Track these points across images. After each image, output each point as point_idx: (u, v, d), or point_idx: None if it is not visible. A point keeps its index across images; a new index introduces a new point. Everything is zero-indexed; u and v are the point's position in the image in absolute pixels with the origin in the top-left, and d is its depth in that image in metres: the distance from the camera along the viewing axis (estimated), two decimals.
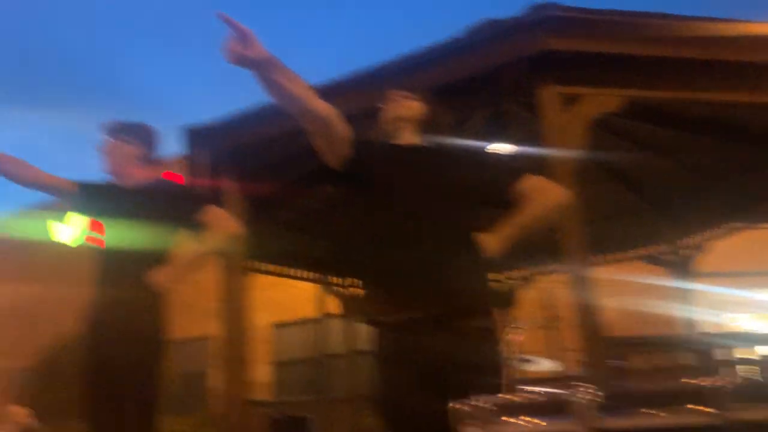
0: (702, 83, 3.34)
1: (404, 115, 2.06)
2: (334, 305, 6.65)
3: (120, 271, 2.58)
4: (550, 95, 3.05)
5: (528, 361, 5.22)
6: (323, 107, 1.79)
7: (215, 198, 3.99)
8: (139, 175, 2.73)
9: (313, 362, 11.43)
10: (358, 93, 3.35)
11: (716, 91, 3.35)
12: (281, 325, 12.22)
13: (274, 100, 1.75)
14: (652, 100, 3.44)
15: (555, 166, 2.96)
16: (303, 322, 11.98)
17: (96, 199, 2.74)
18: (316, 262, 6.16)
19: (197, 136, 3.88)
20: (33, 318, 16.04)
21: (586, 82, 3.16)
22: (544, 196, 1.99)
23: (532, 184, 1.99)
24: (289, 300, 12.20)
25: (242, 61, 1.52)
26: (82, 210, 2.78)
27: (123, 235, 2.63)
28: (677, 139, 4.68)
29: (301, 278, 6.34)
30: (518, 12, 3.15)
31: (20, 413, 10.42)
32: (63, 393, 11.46)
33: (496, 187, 2.01)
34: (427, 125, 2.07)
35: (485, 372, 1.78)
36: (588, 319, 2.89)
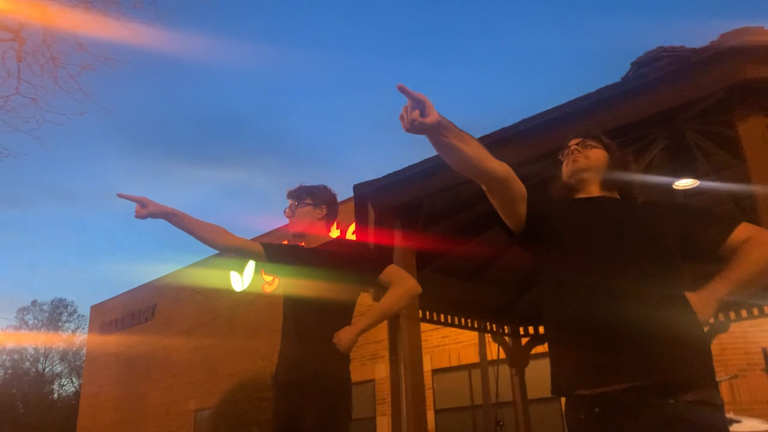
0: None
1: (587, 167, 1.91)
2: (498, 352, 6.42)
3: (304, 322, 2.71)
4: (753, 127, 2.70)
5: (733, 421, 4.65)
6: (498, 166, 1.73)
7: (386, 252, 4.08)
8: (321, 234, 2.92)
9: (474, 409, 11.15)
10: (536, 139, 3.24)
11: None
12: (441, 371, 12.10)
13: (449, 163, 1.71)
14: None
15: (764, 202, 2.61)
16: (464, 368, 11.78)
17: (280, 257, 2.94)
18: (484, 309, 6.02)
19: (366, 192, 3.98)
20: (214, 364, 17.32)
21: None
22: (764, 247, 1.72)
23: (748, 235, 1.73)
24: (451, 346, 12.10)
25: (419, 128, 1.52)
26: (269, 268, 2.95)
27: (304, 288, 2.78)
28: None
29: (465, 326, 6.21)
30: (709, 40, 2.86)
31: None
32: (242, 422, 12.18)
33: (701, 238, 1.79)
34: (611, 174, 1.90)
35: None
36: None
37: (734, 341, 7.18)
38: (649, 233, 1.77)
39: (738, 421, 4.71)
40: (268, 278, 16.35)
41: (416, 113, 1.51)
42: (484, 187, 1.79)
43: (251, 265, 17.07)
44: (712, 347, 1.73)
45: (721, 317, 5.67)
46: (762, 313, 5.64)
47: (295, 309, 2.79)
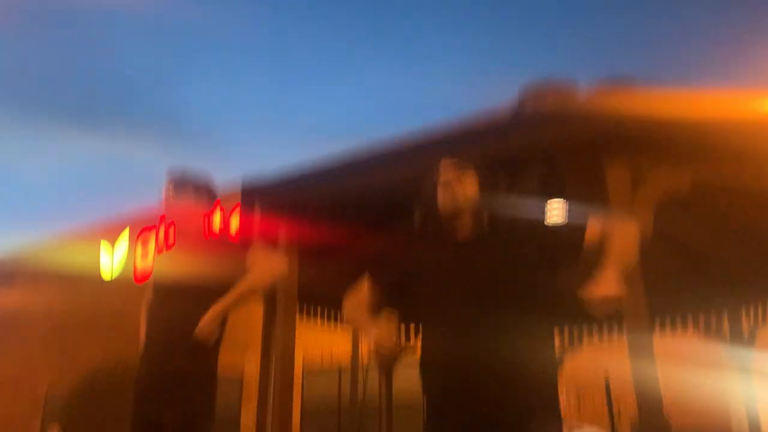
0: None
1: (461, 199, 1.97)
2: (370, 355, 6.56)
3: (171, 311, 2.62)
4: (615, 173, 2.99)
5: (577, 428, 5.05)
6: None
7: (267, 244, 4.06)
8: (197, 227, 2.82)
9: (345, 412, 11.27)
10: (408, 159, 3.36)
11: None
12: (311, 371, 12.11)
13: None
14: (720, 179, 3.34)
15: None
16: (335, 370, 11.87)
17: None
18: None
19: (254, 188, 3.95)
20: (71, 346, 16.29)
21: (654, 160, 3.11)
22: (622, 232, 1.89)
23: (604, 224, 1.90)
24: (323, 345, 12.13)
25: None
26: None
27: (171, 279, 2.70)
28: (742, 210, 4.54)
29: (343, 326, 6.30)
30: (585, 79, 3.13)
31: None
32: (98, 419, 11.55)
33: (568, 252, 1.93)
34: (482, 207, 1.99)
35: None
36: (646, 390, 2.74)
37: (585, 363, 7.82)
38: (505, 276, 1.86)
39: (579, 428, 5.12)
40: (139, 264, 15.61)
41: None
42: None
43: (122, 247, 16.22)
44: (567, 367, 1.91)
45: (576, 342, 6.15)
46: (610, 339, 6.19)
47: (159, 299, 2.70)
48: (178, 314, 2.61)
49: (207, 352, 2.60)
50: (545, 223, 4.19)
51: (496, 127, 3.26)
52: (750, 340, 5.47)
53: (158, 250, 3.10)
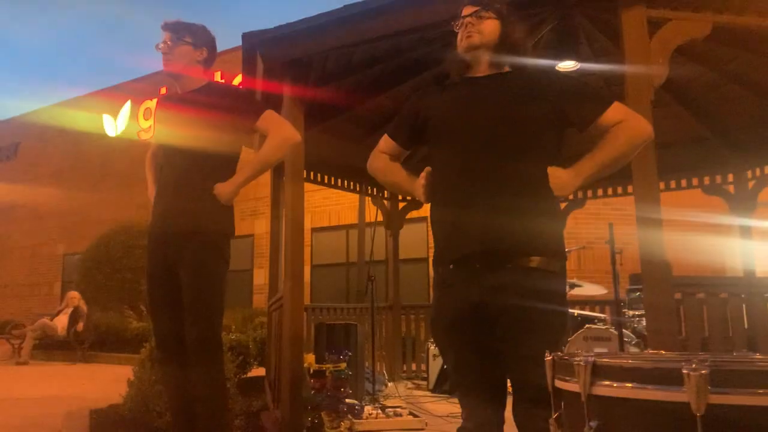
0: None
1: (479, 43, 1.92)
2: (377, 214, 6.69)
3: (182, 173, 2.62)
4: (634, 16, 2.83)
5: (575, 285, 5.26)
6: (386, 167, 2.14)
7: (272, 104, 3.97)
8: (198, 77, 2.74)
9: (349, 266, 11.74)
10: (401, 13, 3.19)
11: None
12: (320, 230, 12.45)
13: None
14: (740, 25, 3.17)
15: (633, 90, 2.80)
16: (342, 228, 12.20)
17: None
18: (366, 173, 6.14)
19: (256, 42, 3.78)
20: (84, 209, 16.64)
21: (674, 6, 2.93)
22: (631, 132, 1.85)
23: (619, 118, 1.85)
24: (331, 206, 12.38)
25: None
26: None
27: (181, 139, 2.65)
28: (755, 64, 4.39)
29: (348, 188, 6.35)
30: None
31: (75, 296, 11.10)
32: (111, 279, 12.09)
33: (574, 113, 1.88)
34: (502, 47, 1.92)
35: (548, 315, 1.73)
36: (650, 249, 2.80)
37: (587, 217, 7.94)
38: (517, 113, 1.84)
39: (579, 286, 5.33)
40: (144, 125, 15.50)
41: None
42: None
43: (126, 108, 16.04)
44: (568, 221, 1.92)
45: (580, 195, 6.21)
46: (615, 193, 6.25)
47: (172, 161, 2.68)
48: (185, 165, 2.62)
49: (221, 210, 2.62)
50: (557, 68, 4.09)
51: None
52: (752, 200, 5.52)
53: (159, 104, 3.01)
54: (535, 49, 3.99)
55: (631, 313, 5.00)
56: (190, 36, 2.69)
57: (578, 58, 4.38)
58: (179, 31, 2.68)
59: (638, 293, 4.88)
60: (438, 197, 1.92)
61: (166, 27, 2.69)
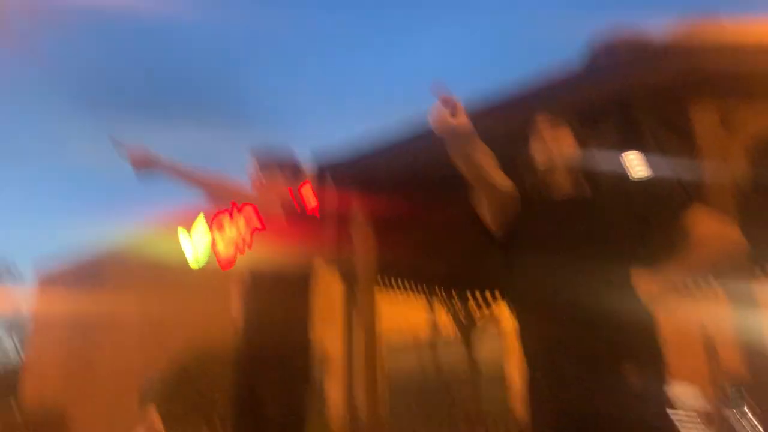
0: None
1: (557, 157, 1.94)
2: (451, 326, 6.55)
3: (269, 289, 2.69)
4: (705, 116, 2.78)
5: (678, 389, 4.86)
6: (503, 181, 1.83)
7: (343, 219, 4.07)
8: (286, 205, 2.85)
9: (424, 377, 11.33)
10: (501, 114, 3.24)
11: None
12: (390, 337, 12.19)
13: (460, 167, 1.78)
14: None
15: (714, 192, 2.70)
16: (413, 334, 11.94)
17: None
18: (437, 278, 6.08)
19: (325, 163, 3.95)
20: (164, 328, 17.09)
21: (746, 98, 2.88)
22: (718, 245, 1.80)
23: (705, 227, 1.81)
24: (400, 312, 12.21)
25: (449, 130, 1.55)
26: None
27: (267, 258, 2.75)
28: None
29: (420, 293, 6.30)
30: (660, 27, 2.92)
31: (154, 417, 11.14)
32: (193, 399, 12.13)
33: (662, 221, 1.86)
34: (579, 163, 1.95)
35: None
36: (751, 344, 2.57)
37: (683, 316, 7.49)
38: (606, 227, 1.84)
39: (680, 387, 4.90)
40: (221, 250, 16.07)
41: (446, 114, 1.55)
42: (481, 196, 1.88)
43: (204, 227, 16.73)
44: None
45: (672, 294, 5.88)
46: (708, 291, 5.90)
47: (257, 277, 2.76)
48: (273, 294, 2.69)
49: (302, 324, 2.68)
50: (633, 177, 4.04)
51: (573, 78, 3.10)
52: None
53: (244, 235, 3.19)
54: (600, 147, 3.97)
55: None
56: (278, 164, 2.86)
57: (646, 155, 4.30)
58: (268, 160, 2.87)
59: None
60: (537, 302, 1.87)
61: (255, 157, 2.88)
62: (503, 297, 6.30)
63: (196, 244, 16.98)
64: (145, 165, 2.42)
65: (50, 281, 21.64)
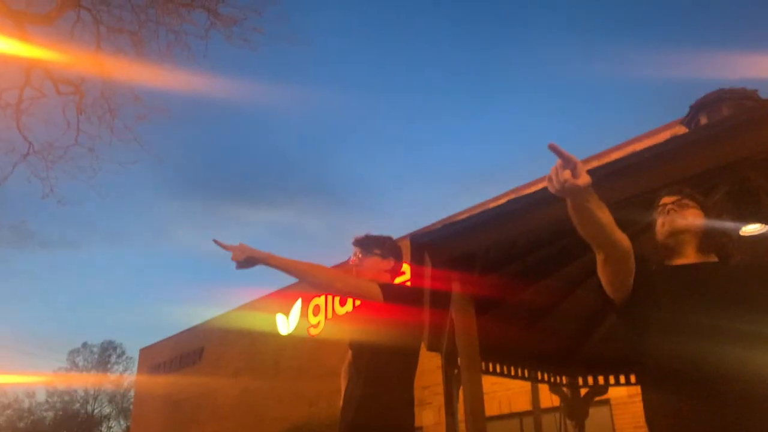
0: None
1: (685, 228, 1.90)
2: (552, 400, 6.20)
3: (379, 367, 2.68)
4: None
5: None
6: (624, 238, 1.75)
7: (441, 298, 4.01)
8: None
9: None
10: (620, 182, 3.15)
11: None
12: (491, 419, 11.75)
13: (579, 226, 1.72)
14: None
15: None
16: (515, 416, 11.42)
17: (398, 299, 2.81)
18: (540, 358, 5.83)
19: (423, 242, 3.94)
20: (259, 408, 17.26)
21: None
22: None
23: None
24: (501, 392, 11.77)
25: (569, 190, 1.52)
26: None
27: (379, 332, 2.74)
28: None
29: (522, 377, 6.02)
30: None
31: None
32: None
33: None
34: (708, 236, 1.90)
35: None
36: None
37: None
38: (745, 296, 1.76)
39: None
40: (313, 321, 16.31)
41: (567, 174, 1.52)
42: (600, 257, 1.81)
43: (297, 307, 17.10)
44: None
45: None
46: None
47: (367, 351, 2.76)
48: (376, 374, 2.69)
49: (407, 403, 2.69)
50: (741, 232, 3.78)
51: (686, 144, 2.98)
52: None
53: (342, 317, 3.23)
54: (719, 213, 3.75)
55: None
56: (378, 248, 2.92)
57: (761, 220, 4.03)
58: (368, 245, 2.93)
59: None
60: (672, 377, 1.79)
61: (357, 243, 2.96)
62: (624, 371, 5.97)
63: (290, 323, 17.30)
64: (247, 262, 2.50)
65: (153, 362, 22.52)
